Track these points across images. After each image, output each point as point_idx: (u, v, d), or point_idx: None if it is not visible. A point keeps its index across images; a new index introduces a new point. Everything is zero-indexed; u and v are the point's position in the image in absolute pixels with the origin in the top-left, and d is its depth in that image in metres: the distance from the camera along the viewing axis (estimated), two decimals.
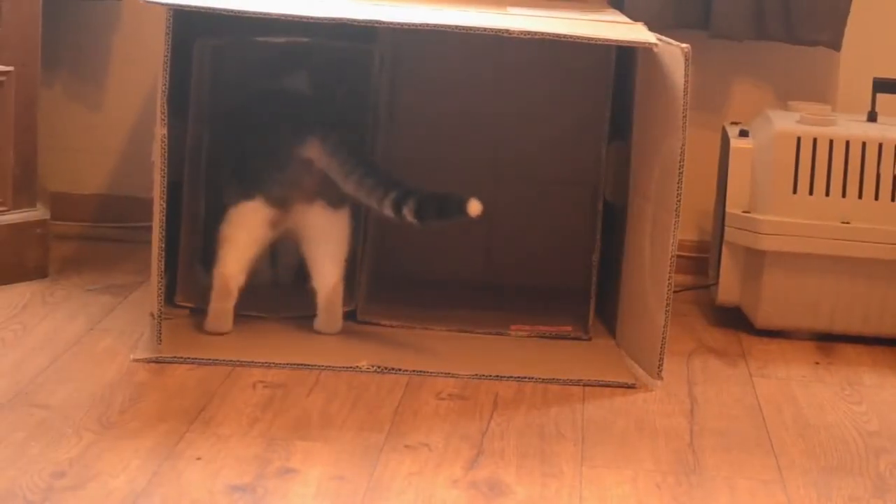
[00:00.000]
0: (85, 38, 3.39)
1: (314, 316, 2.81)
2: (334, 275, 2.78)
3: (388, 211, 2.65)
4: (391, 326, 2.88)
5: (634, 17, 2.93)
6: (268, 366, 2.63)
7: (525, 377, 2.66)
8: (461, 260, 3.17)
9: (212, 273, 2.74)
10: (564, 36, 2.60)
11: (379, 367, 2.65)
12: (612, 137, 2.91)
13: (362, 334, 2.84)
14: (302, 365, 2.64)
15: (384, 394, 2.55)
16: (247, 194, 2.72)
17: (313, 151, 2.69)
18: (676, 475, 2.28)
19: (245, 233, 2.73)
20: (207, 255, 2.80)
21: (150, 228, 2.70)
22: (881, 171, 2.93)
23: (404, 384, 2.60)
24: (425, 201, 2.65)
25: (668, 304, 2.61)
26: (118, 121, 3.42)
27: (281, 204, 2.72)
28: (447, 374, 2.65)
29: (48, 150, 3.24)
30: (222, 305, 2.75)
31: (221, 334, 2.75)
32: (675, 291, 2.65)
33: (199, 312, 2.79)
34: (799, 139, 2.92)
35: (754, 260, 2.95)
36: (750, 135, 3.00)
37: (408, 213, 2.63)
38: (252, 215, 2.72)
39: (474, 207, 2.59)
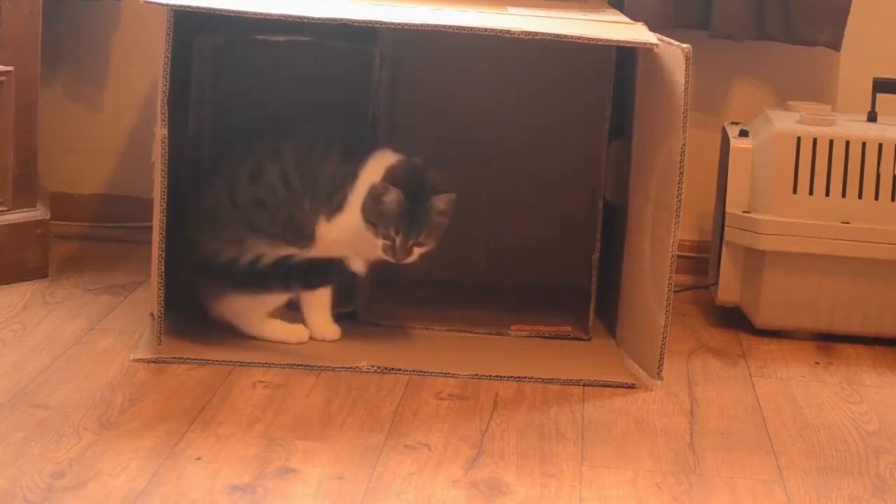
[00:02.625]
0: (85, 38, 3.39)
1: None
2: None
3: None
4: (391, 326, 2.88)
5: (634, 17, 2.93)
6: (268, 366, 2.63)
7: (525, 377, 2.66)
8: (461, 260, 3.17)
9: None
10: (565, 36, 2.60)
11: (379, 367, 2.65)
12: (612, 137, 2.91)
13: (362, 334, 2.84)
14: (302, 365, 2.64)
15: (384, 394, 2.55)
16: None
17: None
18: (676, 475, 2.28)
19: None
20: None
21: (150, 228, 2.70)
22: (881, 171, 2.93)
23: (404, 384, 2.60)
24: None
25: (668, 304, 2.61)
26: (118, 121, 3.42)
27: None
28: (447, 374, 2.65)
29: (48, 150, 3.24)
30: None
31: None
32: (675, 291, 2.65)
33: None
34: (799, 139, 2.92)
35: (754, 260, 2.95)
36: (750, 135, 3.00)
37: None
38: None
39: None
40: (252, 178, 2.73)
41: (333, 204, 2.72)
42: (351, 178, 2.72)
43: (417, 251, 2.70)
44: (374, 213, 2.68)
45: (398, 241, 2.68)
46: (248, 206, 2.72)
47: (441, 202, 2.70)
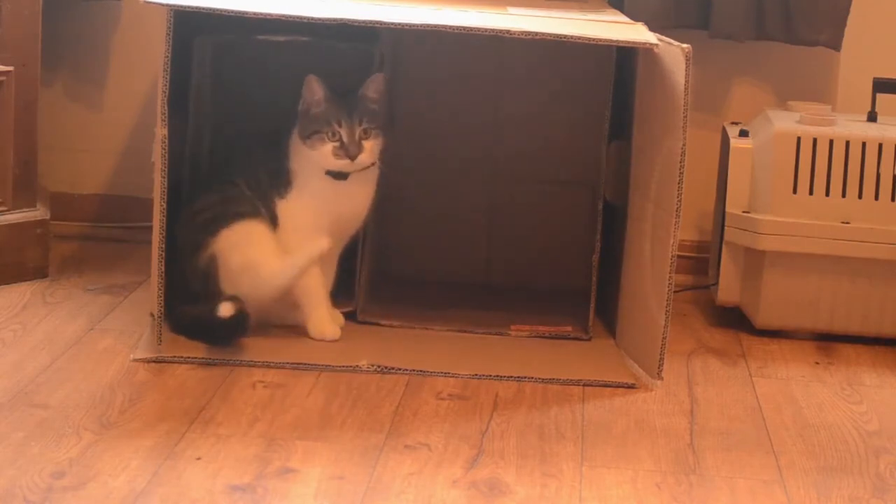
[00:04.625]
0: (85, 38, 3.39)
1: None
2: None
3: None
4: (391, 326, 2.88)
5: (634, 17, 2.93)
6: (268, 366, 2.63)
7: (525, 377, 2.66)
8: (461, 260, 3.17)
9: None
10: (565, 36, 2.60)
11: (379, 367, 2.65)
12: (612, 137, 2.91)
13: (362, 334, 2.84)
14: (302, 365, 2.64)
15: (384, 394, 2.55)
16: None
17: None
18: (676, 475, 2.28)
19: None
20: None
21: (150, 228, 2.70)
22: (881, 171, 2.93)
23: (404, 384, 2.60)
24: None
25: (668, 304, 2.61)
26: (118, 121, 3.42)
27: None
28: (447, 374, 2.65)
29: (48, 150, 3.24)
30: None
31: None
32: (675, 291, 2.65)
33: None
34: (799, 139, 2.92)
35: (754, 260, 2.95)
36: (750, 135, 3.00)
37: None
38: None
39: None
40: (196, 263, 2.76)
41: (281, 180, 2.75)
42: (284, 154, 2.76)
43: (368, 145, 2.69)
44: (310, 124, 2.70)
45: (344, 132, 2.68)
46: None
47: (371, 87, 2.72)
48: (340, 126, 2.68)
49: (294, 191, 2.75)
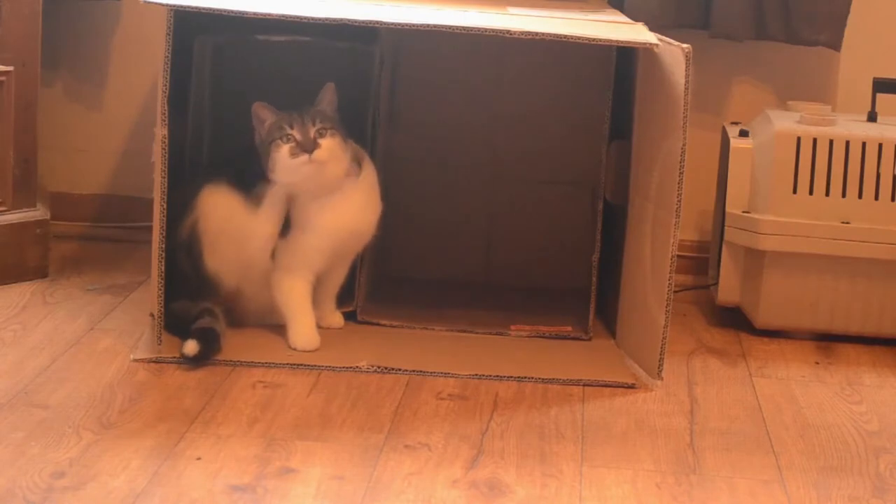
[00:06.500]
0: (85, 38, 3.39)
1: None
2: None
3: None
4: (391, 326, 2.88)
5: (634, 17, 2.93)
6: (268, 366, 2.63)
7: (525, 377, 2.66)
8: (461, 260, 3.17)
9: None
10: (565, 36, 2.60)
11: (379, 367, 2.65)
12: (612, 137, 2.91)
13: (362, 334, 2.84)
14: (302, 365, 2.65)
15: (384, 394, 2.55)
16: None
17: None
18: (676, 475, 2.28)
19: None
20: None
21: (150, 228, 2.70)
22: (881, 171, 2.93)
23: (404, 384, 2.60)
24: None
25: (668, 304, 2.61)
26: (118, 121, 3.42)
27: None
28: (447, 374, 2.65)
29: (48, 150, 3.24)
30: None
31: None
32: (675, 291, 2.65)
33: None
34: (799, 139, 2.92)
35: (754, 260, 2.95)
36: (750, 135, 3.00)
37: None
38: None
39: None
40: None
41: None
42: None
43: (325, 143, 2.65)
44: (266, 138, 2.67)
45: (297, 132, 2.64)
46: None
47: (325, 98, 2.70)
48: (292, 128, 2.65)
49: (290, 231, 2.73)
